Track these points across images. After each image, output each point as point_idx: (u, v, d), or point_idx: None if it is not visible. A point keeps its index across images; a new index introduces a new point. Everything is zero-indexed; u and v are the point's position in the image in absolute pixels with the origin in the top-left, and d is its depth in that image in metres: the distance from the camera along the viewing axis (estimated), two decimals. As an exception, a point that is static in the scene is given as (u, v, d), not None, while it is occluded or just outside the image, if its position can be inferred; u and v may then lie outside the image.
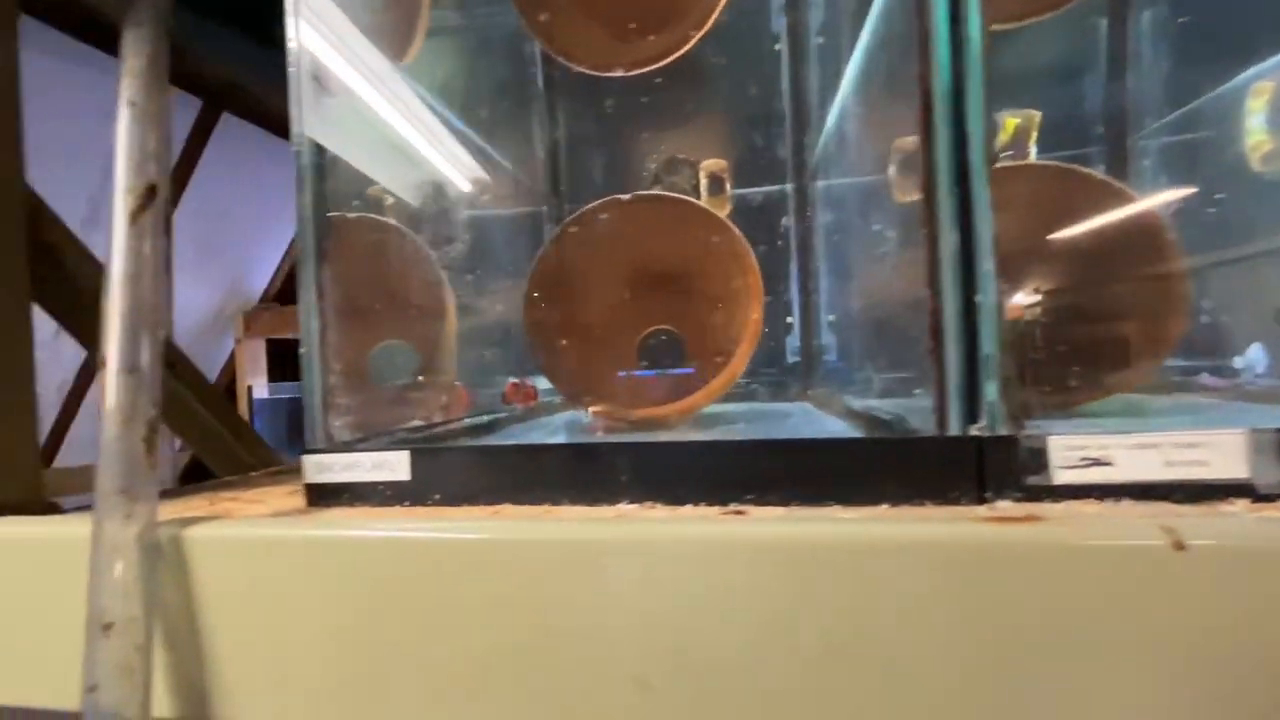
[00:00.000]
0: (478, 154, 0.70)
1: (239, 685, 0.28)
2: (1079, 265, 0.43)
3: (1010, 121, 0.48)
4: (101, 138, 0.33)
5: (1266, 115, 0.51)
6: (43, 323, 0.37)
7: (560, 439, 0.43)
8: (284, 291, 1.88)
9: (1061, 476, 0.27)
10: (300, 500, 0.35)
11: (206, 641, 0.28)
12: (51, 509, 0.35)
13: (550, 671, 0.25)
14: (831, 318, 0.74)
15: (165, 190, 0.32)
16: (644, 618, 0.24)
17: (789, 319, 0.75)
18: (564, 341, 0.56)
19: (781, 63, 0.74)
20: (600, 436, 0.43)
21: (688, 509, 0.29)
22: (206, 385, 0.47)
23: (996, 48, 0.28)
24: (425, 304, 0.53)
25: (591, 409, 0.53)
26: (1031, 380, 0.34)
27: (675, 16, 0.58)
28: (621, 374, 0.56)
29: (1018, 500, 0.27)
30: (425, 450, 0.32)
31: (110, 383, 0.28)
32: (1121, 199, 0.43)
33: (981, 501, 0.27)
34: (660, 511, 0.29)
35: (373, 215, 0.51)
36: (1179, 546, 0.21)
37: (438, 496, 0.32)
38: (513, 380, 0.62)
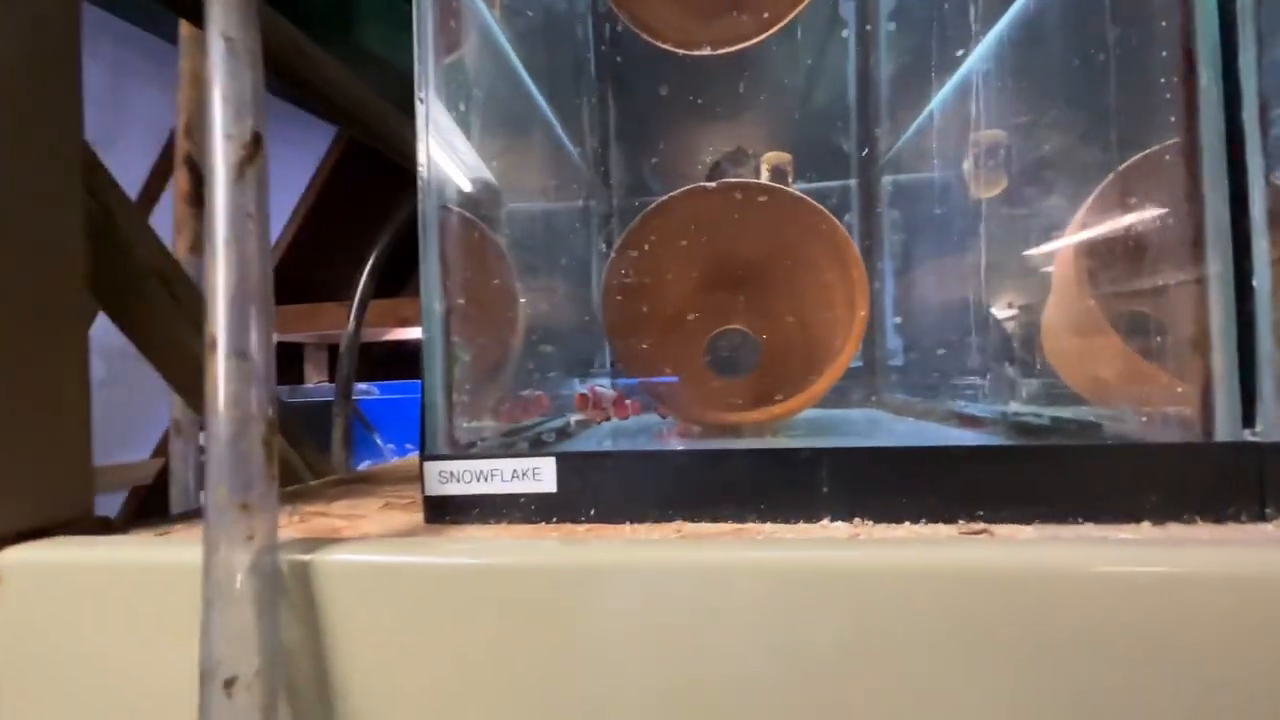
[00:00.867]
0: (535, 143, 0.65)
1: (376, 748, 0.22)
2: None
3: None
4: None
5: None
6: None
7: (678, 445, 0.39)
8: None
9: (1348, 489, 0.24)
10: (411, 516, 0.30)
11: (335, 694, 0.22)
12: (105, 527, 0.29)
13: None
14: (899, 320, 0.71)
15: (266, 144, 0.26)
16: (888, 666, 0.20)
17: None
18: (644, 341, 0.51)
19: (849, 51, 0.71)
20: (801, 441, 0.38)
21: (906, 527, 0.25)
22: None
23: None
24: (506, 299, 0.48)
25: (661, 413, 0.49)
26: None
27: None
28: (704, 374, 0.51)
29: (1303, 517, 0.24)
30: (576, 457, 0.27)
31: (220, 369, 0.22)
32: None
33: (1264, 518, 0.24)
34: (881, 530, 0.24)
35: (466, 213, 0.46)
36: None
37: (592, 512, 0.27)
38: (583, 390, 0.57)
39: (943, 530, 0.24)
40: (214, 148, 0.25)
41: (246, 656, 0.20)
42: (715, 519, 0.26)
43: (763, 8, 0.55)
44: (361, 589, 0.22)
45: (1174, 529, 0.23)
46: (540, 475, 0.27)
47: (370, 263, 0.76)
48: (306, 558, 0.23)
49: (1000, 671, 0.20)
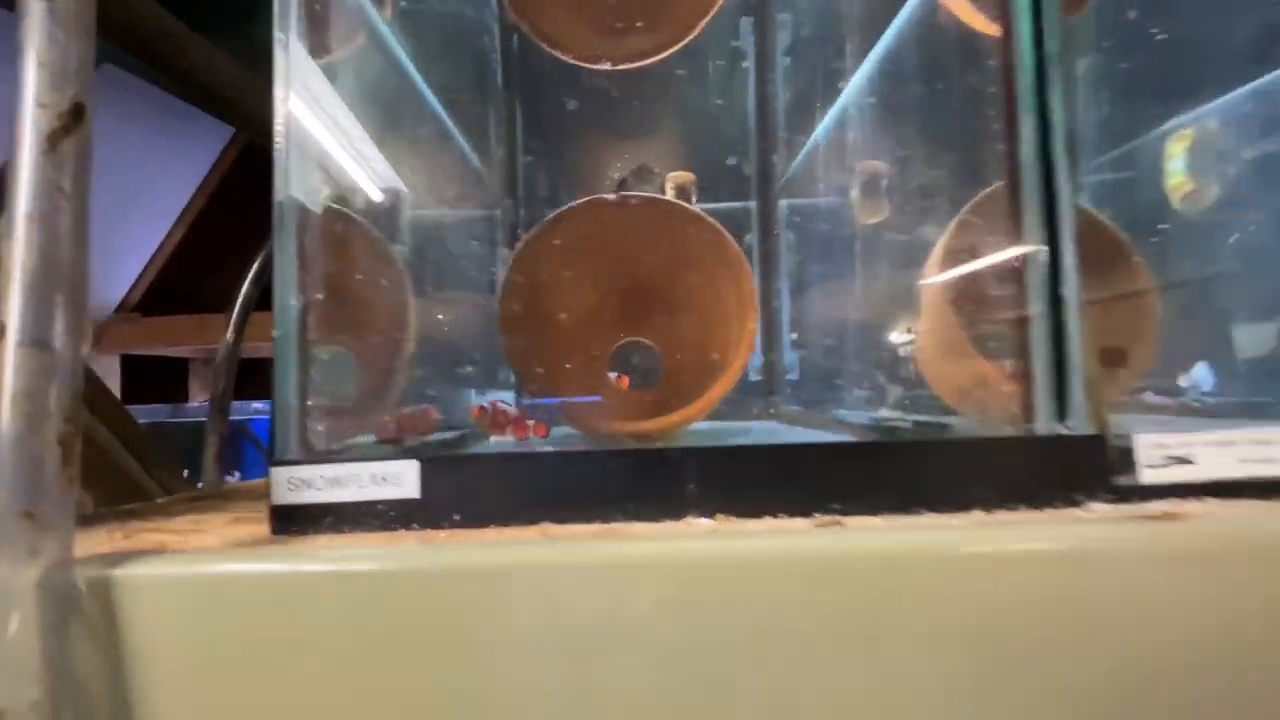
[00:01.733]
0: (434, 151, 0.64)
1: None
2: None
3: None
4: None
5: (1185, 160, 0.57)
6: None
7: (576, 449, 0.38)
8: (148, 301, 1.63)
9: (1147, 476, 0.26)
10: (256, 528, 0.27)
11: (141, 727, 0.20)
12: None
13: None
14: (794, 335, 0.74)
15: (92, 113, 0.24)
16: (748, 651, 0.20)
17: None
18: (541, 351, 0.51)
19: (749, 81, 0.74)
20: (667, 442, 0.38)
21: (766, 521, 0.25)
22: (106, 393, 0.37)
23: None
24: (393, 305, 0.46)
25: (566, 424, 0.48)
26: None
27: (665, 13, 0.56)
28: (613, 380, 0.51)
29: (1109, 502, 0.26)
30: (441, 460, 0.26)
31: (9, 359, 0.19)
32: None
33: (1073, 504, 0.26)
34: (744, 525, 0.25)
35: (338, 206, 0.44)
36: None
37: (457, 516, 0.26)
38: (482, 404, 0.55)
39: (799, 523, 0.25)
40: (24, 115, 0.22)
41: (22, 686, 0.17)
42: (583, 519, 0.26)
43: (663, 28, 0.56)
44: (177, 606, 0.20)
45: (1001, 515, 0.25)
46: (402, 480, 0.26)
47: (254, 269, 0.71)
48: (112, 573, 0.20)
49: (853, 650, 0.20)
